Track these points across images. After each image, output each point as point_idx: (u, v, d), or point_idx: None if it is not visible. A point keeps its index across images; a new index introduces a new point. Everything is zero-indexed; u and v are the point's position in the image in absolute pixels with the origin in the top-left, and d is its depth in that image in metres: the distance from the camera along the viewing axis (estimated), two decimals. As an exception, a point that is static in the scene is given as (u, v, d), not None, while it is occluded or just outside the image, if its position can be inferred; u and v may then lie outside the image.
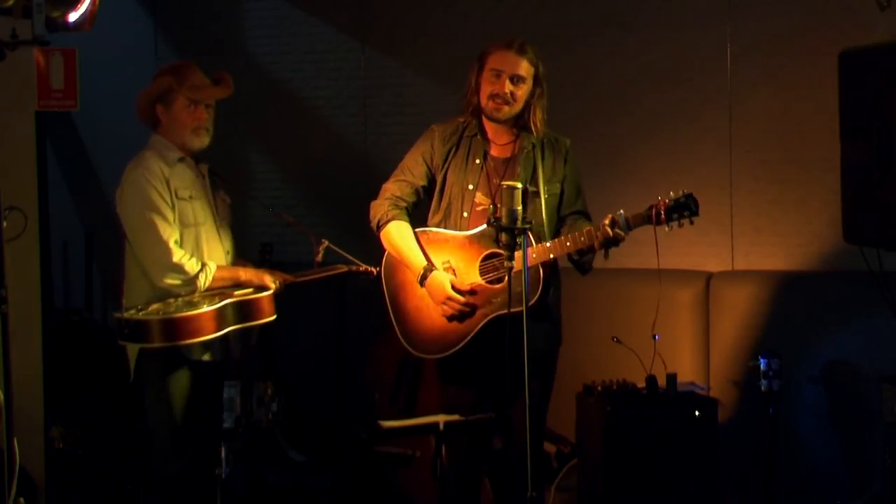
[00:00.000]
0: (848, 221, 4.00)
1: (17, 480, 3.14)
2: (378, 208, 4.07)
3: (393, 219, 4.03)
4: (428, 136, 4.09)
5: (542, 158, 4.01)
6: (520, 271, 3.55)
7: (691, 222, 3.77)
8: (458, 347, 3.95)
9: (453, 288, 3.93)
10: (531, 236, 3.83)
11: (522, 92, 3.96)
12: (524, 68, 3.95)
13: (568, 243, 3.82)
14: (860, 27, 4.60)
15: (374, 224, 4.08)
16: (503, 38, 4.01)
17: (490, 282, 3.91)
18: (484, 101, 3.97)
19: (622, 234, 3.76)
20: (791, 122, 5.03)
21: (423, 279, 3.97)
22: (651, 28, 5.24)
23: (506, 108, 3.95)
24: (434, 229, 4.04)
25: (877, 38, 4.02)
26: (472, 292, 3.93)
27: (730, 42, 5.12)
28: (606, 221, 3.76)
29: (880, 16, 4.21)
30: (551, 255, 3.84)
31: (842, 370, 4.71)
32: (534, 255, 3.80)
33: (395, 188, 4.07)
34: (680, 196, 3.76)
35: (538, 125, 4.00)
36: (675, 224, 3.76)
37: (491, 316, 3.89)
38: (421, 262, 3.98)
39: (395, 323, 4.07)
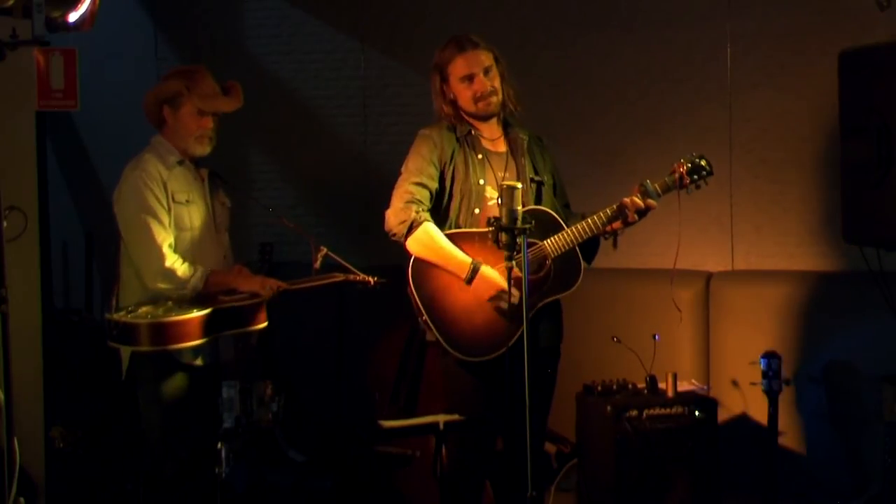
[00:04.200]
0: (848, 221, 4.01)
1: (17, 480, 3.14)
2: (403, 213, 3.93)
3: (424, 220, 3.92)
4: (426, 139, 4.04)
5: (534, 152, 4.08)
6: (559, 255, 3.69)
7: (707, 182, 4.02)
8: (511, 342, 3.77)
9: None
10: (561, 221, 3.94)
11: (497, 79, 4.01)
12: (487, 58, 4.00)
13: (601, 221, 3.92)
14: (860, 27, 4.60)
15: (401, 229, 3.92)
16: (451, 43, 4.03)
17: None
18: (470, 106, 3.98)
19: (653, 202, 3.93)
20: (791, 122, 5.03)
21: (473, 273, 3.86)
22: (651, 28, 5.24)
23: (494, 100, 3.99)
24: (459, 230, 3.97)
25: (877, 38, 4.02)
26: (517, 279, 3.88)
27: (730, 42, 5.12)
28: (637, 193, 3.90)
29: (880, 16, 4.21)
30: (583, 237, 3.92)
31: (842, 370, 4.71)
32: (569, 238, 3.90)
33: (415, 191, 3.95)
34: (693, 157, 4.01)
35: (513, 100, 4.05)
36: (694, 186, 3.99)
37: (539, 304, 3.90)
38: (465, 259, 3.88)
39: (436, 330, 3.91)
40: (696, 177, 4.00)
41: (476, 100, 3.96)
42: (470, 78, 3.96)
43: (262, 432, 4.76)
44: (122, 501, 4.84)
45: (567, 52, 5.34)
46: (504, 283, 3.81)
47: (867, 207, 3.86)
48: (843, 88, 4.00)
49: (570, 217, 4.09)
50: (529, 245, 3.82)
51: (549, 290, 3.90)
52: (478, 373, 3.96)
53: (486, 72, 3.97)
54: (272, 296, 3.98)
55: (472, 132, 4.03)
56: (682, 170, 3.97)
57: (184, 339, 3.78)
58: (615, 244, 4.00)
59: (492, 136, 4.05)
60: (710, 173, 4.02)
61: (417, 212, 3.92)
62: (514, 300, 3.79)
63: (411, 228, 3.91)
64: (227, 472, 4.14)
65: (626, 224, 3.95)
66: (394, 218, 3.95)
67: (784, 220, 5.07)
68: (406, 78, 5.64)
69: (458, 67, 3.97)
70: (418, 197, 3.95)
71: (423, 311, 3.92)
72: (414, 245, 3.92)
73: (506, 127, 4.08)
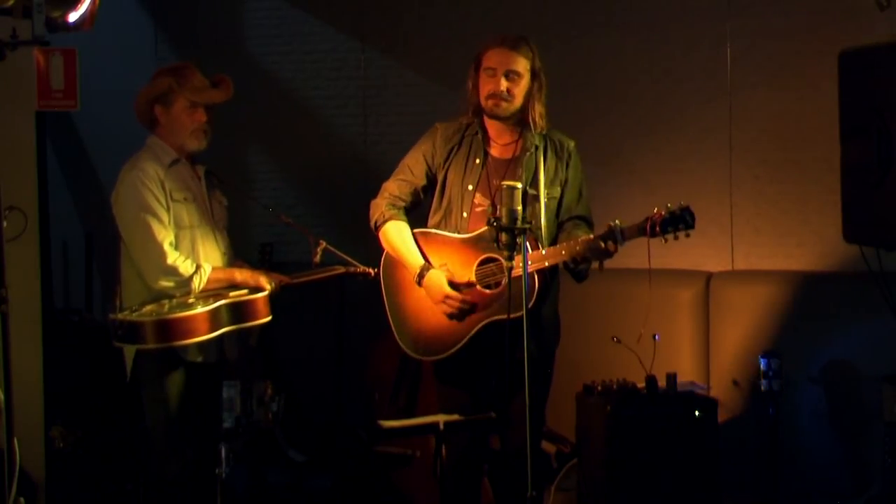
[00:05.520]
0: (848, 221, 4.00)
1: (17, 480, 3.14)
2: (376, 208, 4.07)
3: (390, 218, 4.02)
4: (430, 135, 4.08)
5: (545, 160, 3.97)
6: (519, 275, 3.51)
7: (687, 235, 3.74)
8: (453, 350, 3.94)
9: (451, 285, 3.92)
10: (528, 240, 3.82)
11: (520, 88, 3.93)
12: (519, 63, 3.92)
13: (563, 252, 3.81)
14: (860, 27, 4.60)
15: (372, 223, 4.07)
16: (499, 35, 3.99)
17: (486, 286, 3.90)
18: (483, 100, 3.95)
19: (614, 246, 3.74)
20: (791, 122, 5.03)
21: (420, 278, 3.96)
22: (651, 27, 5.24)
23: (504, 105, 3.92)
24: (433, 231, 4.02)
25: (877, 38, 4.02)
26: (469, 284, 3.92)
27: (729, 42, 5.12)
28: (601, 234, 3.74)
29: (880, 16, 4.21)
30: (546, 263, 3.82)
31: (842, 370, 4.71)
32: (530, 262, 3.76)
33: (395, 187, 4.06)
34: (675, 209, 3.72)
35: (538, 120, 3.97)
36: (670, 237, 3.73)
37: (487, 321, 3.88)
38: (418, 261, 3.97)
39: (392, 323, 4.06)
40: (670, 228, 3.70)
41: (487, 96, 3.94)
42: (492, 72, 3.92)
43: (262, 432, 4.77)
44: (122, 501, 4.84)
45: (567, 52, 5.33)
46: (448, 289, 3.90)
47: (867, 207, 3.86)
48: (843, 88, 4.00)
49: (573, 232, 3.97)
50: (491, 261, 3.86)
51: (500, 308, 3.81)
52: (457, 374, 4.00)
53: (509, 75, 3.91)
54: (274, 290, 3.99)
55: (479, 134, 4.02)
56: (657, 218, 3.71)
57: (189, 336, 3.79)
58: (600, 267, 3.85)
59: (502, 140, 4.02)
60: (689, 227, 3.71)
61: (386, 208, 4.04)
62: (459, 305, 3.88)
63: (377, 225, 4.05)
64: (227, 472, 4.14)
65: (586, 260, 3.82)
66: (371, 210, 4.10)
67: (784, 221, 5.07)
68: (406, 78, 5.64)
69: (488, 58, 3.94)
70: (397, 193, 4.05)
71: (385, 302, 4.07)
72: (382, 240, 4.08)
73: (521, 133, 4.02)
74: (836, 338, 4.75)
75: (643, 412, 4.32)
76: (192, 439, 3.97)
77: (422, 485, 4.61)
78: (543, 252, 3.82)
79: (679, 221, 3.71)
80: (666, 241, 3.74)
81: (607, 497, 4.33)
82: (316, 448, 5.04)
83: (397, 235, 4.02)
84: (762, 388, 4.35)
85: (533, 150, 3.96)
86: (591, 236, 3.79)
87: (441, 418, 3.76)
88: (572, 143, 4.06)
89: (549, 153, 4.00)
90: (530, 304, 3.75)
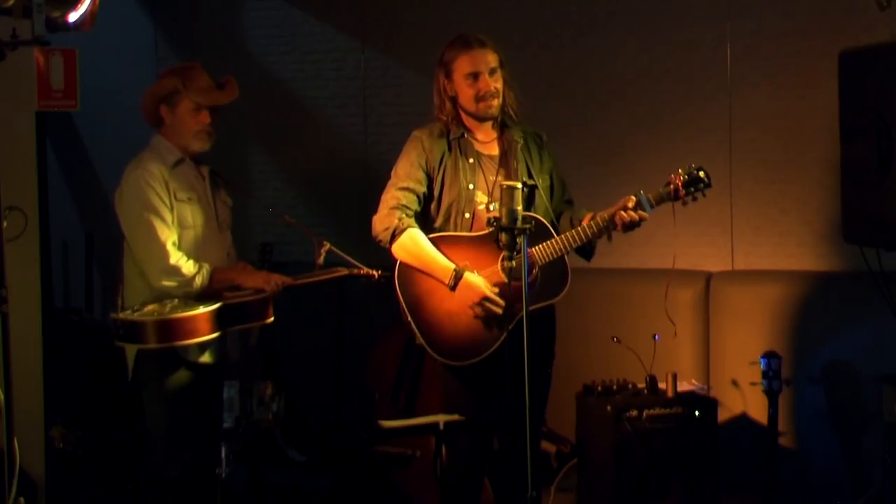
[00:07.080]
0: (848, 221, 4.00)
1: (17, 480, 3.13)
2: (388, 219, 3.95)
3: (408, 227, 3.92)
4: (416, 142, 4.03)
5: (530, 152, 4.04)
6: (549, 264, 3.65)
7: (704, 195, 3.92)
8: (494, 348, 3.87)
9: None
10: (552, 229, 3.89)
11: (500, 81, 3.99)
12: (493, 59, 3.97)
13: (591, 230, 3.87)
14: (860, 27, 4.61)
15: (385, 236, 3.94)
16: (459, 38, 4.02)
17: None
18: (471, 105, 3.97)
19: (646, 214, 3.87)
20: (791, 122, 5.03)
21: (456, 280, 3.87)
22: (651, 27, 5.24)
23: (495, 103, 3.97)
24: (447, 233, 3.98)
25: (877, 38, 4.01)
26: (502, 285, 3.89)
27: (729, 41, 5.12)
28: (630, 205, 3.84)
29: (880, 16, 4.21)
30: (577, 242, 3.88)
31: (842, 370, 4.72)
32: (558, 247, 3.85)
33: (401, 196, 3.96)
34: (692, 169, 3.91)
35: (514, 108, 4.03)
36: (690, 198, 3.91)
37: (519, 315, 3.86)
38: (448, 265, 3.89)
39: (420, 334, 3.93)
40: (692, 189, 3.89)
41: (478, 99, 3.95)
42: (475, 76, 3.94)
43: (262, 432, 4.77)
44: (122, 501, 4.84)
45: (567, 52, 5.34)
46: (488, 291, 3.85)
47: (867, 207, 3.86)
48: (843, 88, 3.99)
49: (573, 211, 4.09)
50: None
51: (535, 297, 3.80)
52: (467, 375, 3.96)
53: (492, 73, 3.95)
54: (276, 291, 3.99)
55: (465, 135, 4.02)
56: (679, 181, 3.87)
57: (190, 336, 3.79)
58: (609, 237, 3.94)
59: (485, 138, 4.04)
60: (707, 185, 3.91)
61: (401, 218, 3.94)
62: (498, 309, 3.85)
63: (394, 235, 3.93)
64: (227, 472, 4.14)
65: (601, 234, 3.93)
66: (379, 224, 3.98)
67: (784, 221, 5.07)
68: (406, 78, 5.64)
69: (465, 64, 3.96)
70: (404, 202, 3.96)
71: (408, 315, 3.94)
72: (398, 251, 3.95)
73: (502, 129, 4.05)
74: (836, 338, 4.75)
75: (643, 412, 4.33)
76: (192, 439, 3.97)
77: (422, 485, 4.61)
78: (570, 233, 3.88)
79: (698, 181, 3.92)
80: (685, 203, 3.91)
81: (607, 497, 4.34)
82: (316, 448, 5.04)
83: (418, 244, 3.92)
84: (762, 388, 4.35)
85: (522, 142, 4.01)
86: (619, 206, 3.86)
87: (441, 418, 3.76)
88: (545, 134, 4.14)
89: (532, 144, 4.07)
90: (566, 288, 3.89)
